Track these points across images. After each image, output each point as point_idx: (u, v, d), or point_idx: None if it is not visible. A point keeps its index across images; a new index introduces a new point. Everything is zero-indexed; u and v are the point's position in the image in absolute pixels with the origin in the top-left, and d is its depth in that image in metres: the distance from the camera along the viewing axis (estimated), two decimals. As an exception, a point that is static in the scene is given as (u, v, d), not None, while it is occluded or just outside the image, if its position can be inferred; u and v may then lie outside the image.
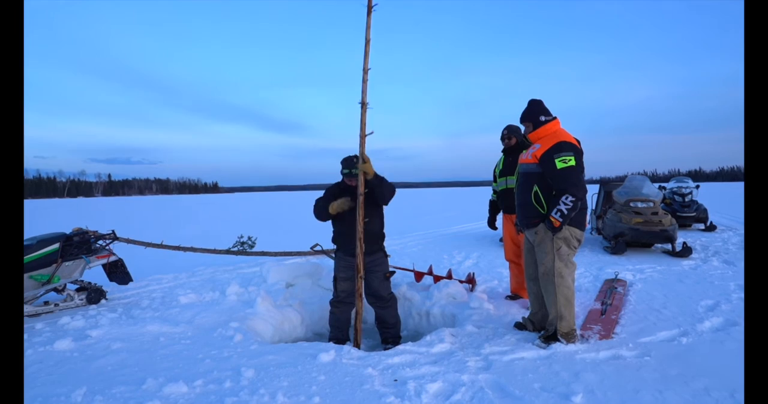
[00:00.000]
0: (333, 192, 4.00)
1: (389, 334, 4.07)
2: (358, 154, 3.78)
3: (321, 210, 3.90)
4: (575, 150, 3.26)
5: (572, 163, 3.20)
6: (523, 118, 3.53)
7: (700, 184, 12.03)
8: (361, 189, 3.76)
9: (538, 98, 3.56)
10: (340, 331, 4.05)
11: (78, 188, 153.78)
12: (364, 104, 3.73)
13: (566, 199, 3.17)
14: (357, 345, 3.80)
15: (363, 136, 3.72)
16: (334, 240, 4.07)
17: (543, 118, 3.44)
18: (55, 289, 4.78)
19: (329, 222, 4.05)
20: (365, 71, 3.70)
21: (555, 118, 3.48)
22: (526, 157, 3.51)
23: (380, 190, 3.79)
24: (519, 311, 4.16)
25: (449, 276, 5.00)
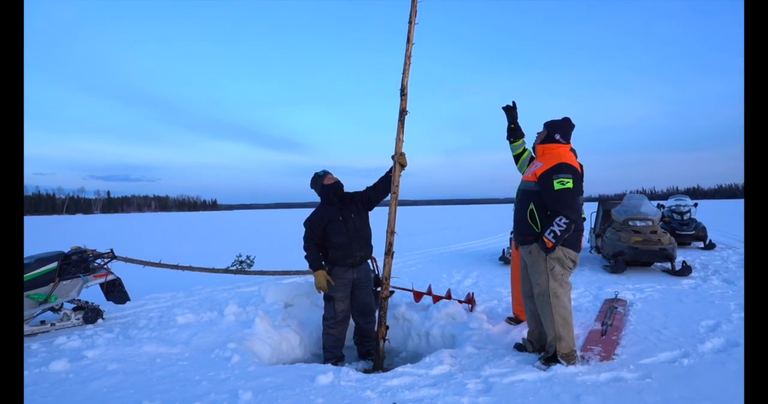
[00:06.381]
0: (321, 216, 3.97)
1: (371, 346, 4.08)
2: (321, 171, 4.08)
3: (310, 257, 3.93)
4: (574, 173, 3.28)
5: (569, 185, 3.21)
6: (546, 124, 3.57)
7: (699, 201, 12.03)
8: (396, 180, 3.89)
9: (573, 122, 3.56)
10: (338, 350, 4.04)
11: (77, 205, 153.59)
12: (403, 112, 3.92)
13: (560, 220, 3.18)
14: (381, 365, 3.84)
15: (400, 140, 3.91)
16: (330, 256, 3.97)
17: (557, 137, 3.48)
18: (52, 308, 4.74)
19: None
20: (408, 56, 3.92)
21: (568, 143, 3.52)
22: (527, 174, 3.55)
23: (389, 184, 3.96)
24: (519, 332, 4.13)
25: (448, 296, 4.97)
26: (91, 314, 4.89)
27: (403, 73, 3.90)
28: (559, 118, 3.58)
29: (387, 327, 3.92)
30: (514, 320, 4.47)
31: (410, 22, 3.88)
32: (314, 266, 3.90)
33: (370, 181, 4.19)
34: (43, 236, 22.47)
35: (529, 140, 4.31)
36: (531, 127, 4.71)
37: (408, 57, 3.87)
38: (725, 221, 19.38)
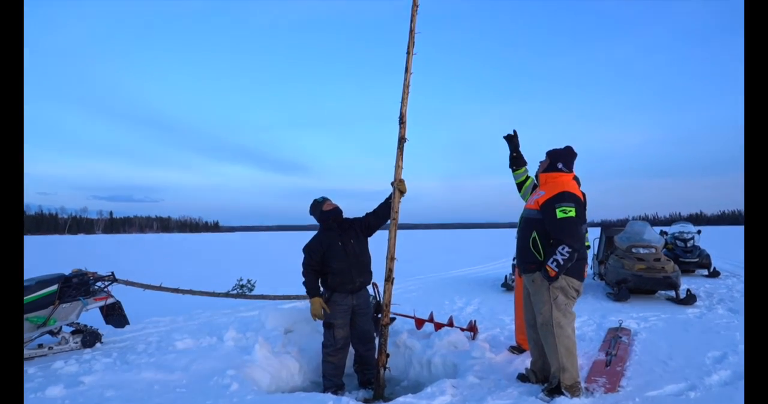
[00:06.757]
0: (320, 242, 3.96)
1: (371, 374, 4.01)
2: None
3: (307, 283, 3.92)
4: (577, 201, 3.28)
5: (572, 213, 3.21)
6: (548, 153, 3.60)
7: (702, 228, 11.99)
8: (396, 207, 3.90)
9: (575, 151, 3.59)
10: (338, 378, 3.98)
11: (79, 225, 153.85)
12: (402, 140, 3.95)
13: (563, 249, 3.16)
14: (381, 394, 3.81)
15: (399, 167, 3.94)
16: (329, 282, 3.93)
17: (560, 165, 3.50)
18: (50, 332, 4.70)
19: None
20: (406, 86, 3.96)
21: (571, 172, 3.54)
22: (530, 202, 3.56)
23: (388, 210, 3.98)
24: (522, 361, 4.07)
25: (450, 324, 4.91)
26: (89, 338, 4.85)
27: (402, 102, 3.96)
28: (562, 146, 3.61)
29: (388, 355, 3.87)
30: (517, 349, 4.40)
31: (408, 53, 3.96)
32: (311, 293, 3.88)
33: (373, 204, 4.21)
34: (43, 257, 22.42)
35: (531, 168, 4.34)
36: (533, 154, 4.72)
37: (406, 86, 3.94)
38: (729, 248, 19.26)
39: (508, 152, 4.42)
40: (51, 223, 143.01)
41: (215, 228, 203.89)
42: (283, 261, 18.61)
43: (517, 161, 4.40)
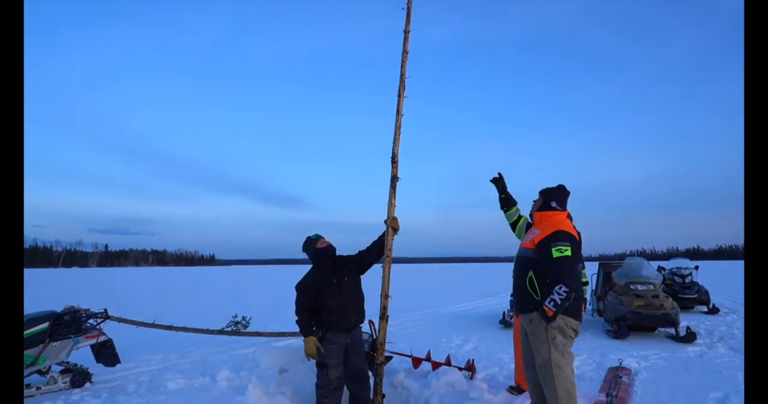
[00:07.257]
0: (314, 280, 3.91)
1: None
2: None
3: (301, 322, 3.84)
4: (572, 240, 3.28)
5: (568, 253, 3.21)
6: (542, 192, 3.64)
7: (699, 263, 11.98)
8: (389, 244, 3.93)
9: (568, 189, 3.64)
10: None
11: (73, 258, 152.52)
12: (394, 178, 4.02)
13: (560, 288, 3.14)
14: None
15: (392, 204, 4.00)
16: (324, 320, 3.85)
17: (553, 204, 3.53)
18: (39, 371, 4.60)
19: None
20: (398, 127, 4.07)
21: (565, 210, 3.58)
22: (525, 241, 3.56)
23: (382, 247, 3.99)
24: (521, 403, 3.98)
25: (448, 363, 4.83)
26: (79, 377, 4.74)
27: (394, 142, 4.06)
28: (554, 185, 3.66)
29: (383, 396, 3.79)
30: (516, 389, 4.32)
31: (399, 96, 4.11)
32: (305, 332, 3.81)
33: (369, 237, 4.22)
34: (36, 291, 22.09)
35: (523, 207, 4.40)
36: (531, 188, 4.79)
37: (398, 128, 4.06)
38: (727, 284, 19.16)
39: (497, 194, 4.51)
40: (45, 256, 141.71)
41: (211, 261, 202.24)
42: (280, 296, 18.38)
43: (506, 202, 4.49)
